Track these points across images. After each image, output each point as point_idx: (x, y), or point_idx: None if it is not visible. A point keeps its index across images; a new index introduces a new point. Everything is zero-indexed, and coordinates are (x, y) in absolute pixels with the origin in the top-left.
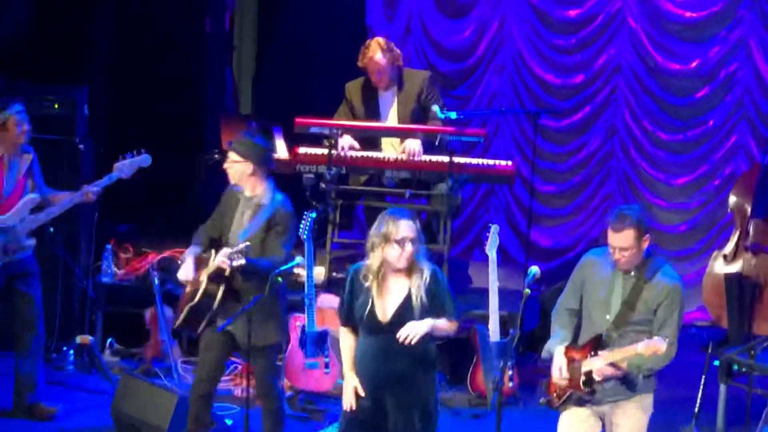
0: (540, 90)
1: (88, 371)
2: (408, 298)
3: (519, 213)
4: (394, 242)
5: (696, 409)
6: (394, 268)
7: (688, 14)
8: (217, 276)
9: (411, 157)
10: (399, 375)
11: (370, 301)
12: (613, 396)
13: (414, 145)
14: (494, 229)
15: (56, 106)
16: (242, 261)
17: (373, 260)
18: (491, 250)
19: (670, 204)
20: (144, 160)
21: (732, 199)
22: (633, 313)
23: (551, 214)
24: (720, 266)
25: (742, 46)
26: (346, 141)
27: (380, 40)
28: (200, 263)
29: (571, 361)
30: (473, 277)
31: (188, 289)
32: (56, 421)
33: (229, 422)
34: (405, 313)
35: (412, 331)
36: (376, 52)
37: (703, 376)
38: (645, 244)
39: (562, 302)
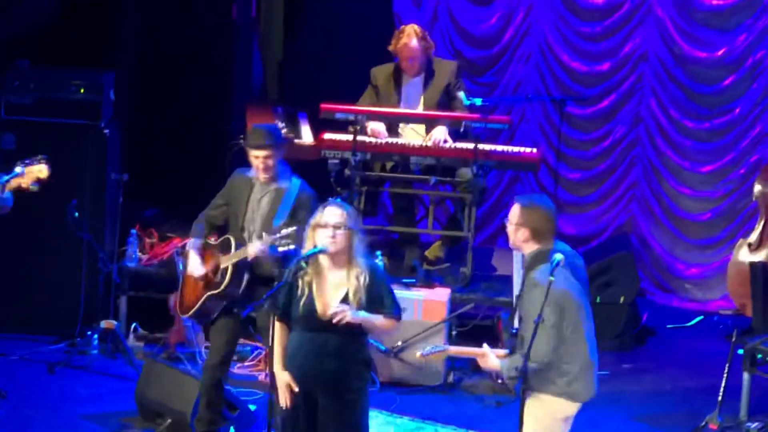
0: (566, 77)
1: (112, 356)
2: (346, 295)
3: None
4: (321, 227)
5: (719, 398)
6: (330, 259)
7: (714, 2)
8: (242, 264)
9: (437, 145)
10: (330, 374)
11: (309, 296)
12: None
13: (441, 133)
14: None
15: (82, 90)
16: (292, 246)
17: (305, 250)
18: None
19: (696, 192)
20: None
21: (757, 187)
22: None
23: (576, 201)
24: (744, 255)
25: None
26: (374, 126)
27: (416, 27)
28: (208, 252)
29: None
30: (497, 264)
31: (196, 278)
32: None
33: (252, 408)
34: (333, 317)
35: (341, 313)
36: (412, 38)
37: (727, 365)
38: None
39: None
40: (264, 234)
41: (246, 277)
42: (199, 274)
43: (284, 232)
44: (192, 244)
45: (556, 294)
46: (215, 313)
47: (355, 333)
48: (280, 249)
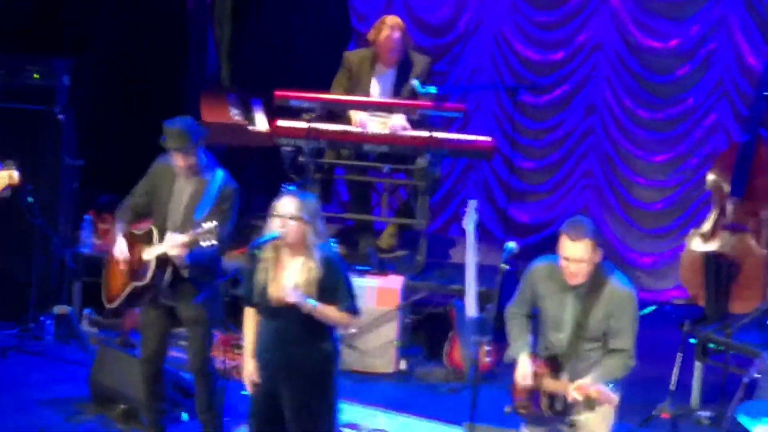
0: (520, 66)
1: (66, 341)
2: (298, 283)
3: (497, 188)
4: (276, 216)
5: (671, 387)
6: (287, 248)
7: None
8: (165, 257)
9: (394, 133)
10: (291, 365)
11: (266, 283)
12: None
13: (399, 120)
14: (472, 204)
15: (36, 76)
16: (214, 241)
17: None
18: (469, 226)
19: (649, 181)
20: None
21: (710, 177)
22: (586, 330)
23: (530, 189)
24: (697, 244)
25: (723, 24)
26: (360, 116)
27: (398, 19)
28: (133, 241)
29: (534, 374)
30: (451, 252)
31: (121, 266)
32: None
33: None
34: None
35: (291, 294)
36: (395, 31)
37: (679, 354)
38: (598, 257)
39: (514, 307)
40: (184, 228)
41: (170, 269)
42: (124, 259)
43: (205, 226)
44: (119, 229)
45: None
46: (141, 304)
47: (315, 323)
48: (203, 243)
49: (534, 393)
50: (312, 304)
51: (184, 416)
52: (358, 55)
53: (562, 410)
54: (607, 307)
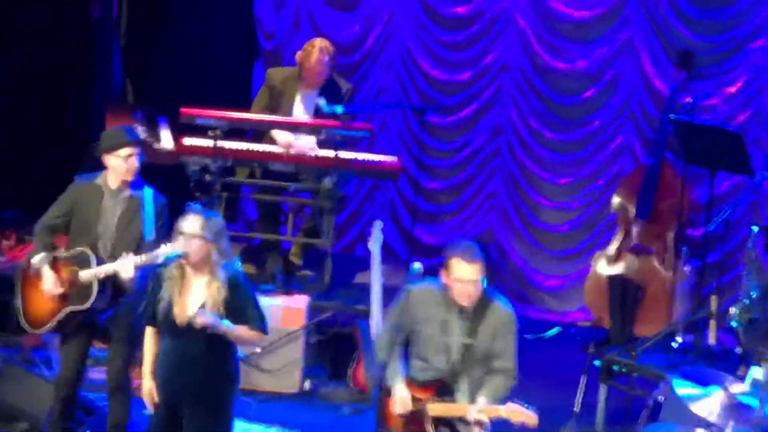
0: (426, 86)
1: None
2: (204, 305)
3: (403, 209)
4: (179, 234)
5: (576, 409)
6: (191, 267)
7: (575, 14)
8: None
9: (286, 150)
10: (193, 385)
11: (170, 302)
12: None
13: (305, 141)
14: (378, 224)
15: None
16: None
17: (169, 253)
18: (374, 246)
19: (554, 203)
20: None
21: (615, 199)
22: (474, 352)
23: (435, 210)
24: (603, 267)
25: (629, 46)
26: (284, 137)
27: (327, 43)
28: (60, 265)
29: (413, 399)
30: (356, 272)
31: (51, 288)
32: None
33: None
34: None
35: (201, 316)
36: (324, 55)
37: (584, 376)
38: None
39: (385, 336)
40: (119, 248)
41: (110, 290)
42: (58, 292)
43: (163, 249)
44: (42, 260)
45: None
46: (70, 328)
47: (218, 343)
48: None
49: (412, 418)
50: (225, 326)
51: None
52: (282, 74)
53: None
54: (493, 329)
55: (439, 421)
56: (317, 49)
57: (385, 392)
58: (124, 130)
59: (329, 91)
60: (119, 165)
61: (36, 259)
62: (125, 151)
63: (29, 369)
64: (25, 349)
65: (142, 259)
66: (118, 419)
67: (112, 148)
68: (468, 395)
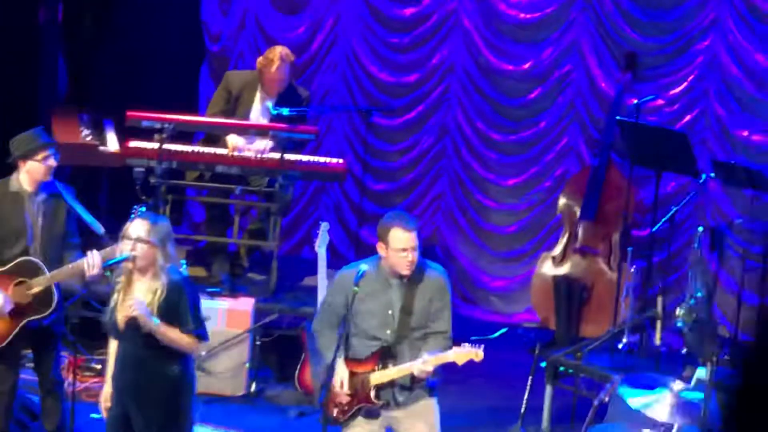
0: (373, 88)
1: None
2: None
3: (349, 211)
4: (126, 238)
5: (522, 410)
6: (136, 271)
7: (521, 15)
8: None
9: (236, 153)
10: (136, 387)
11: (114, 306)
12: (406, 402)
13: (259, 145)
14: (324, 226)
15: None
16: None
17: (115, 257)
18: (321, 248)
19: (501, 205)
20: None
21: (561, 200)
22: (412, 317)
23: (382, 212)
24: (548, 268)
25: (575, 48)
26: (235, 140)
27: (288, 51)
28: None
29: (353, 375)
30: (302, 274)
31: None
32: None
33: None
34: (137, 322)
35: (136, 306)
36: (285, 64)
37: (530, 377)
38: None
39: (321, 322)
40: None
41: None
42: (10, 309)
43: (115, 247)
44: None
45: None
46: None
47: (161, 346)
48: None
49: (355, 394)
50: (154, 322)
51: None
52: (241, 78)
53: (389, 399)
54: (428, 294)
55: (380, 388)
56: (278, 58)
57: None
58: (37, 134)
59: (287, 97)
60: (37, 167)
61: None
62: (43, 154)
63: None
64: None
65: (106, 252)
66: (54, 423)
67: (30, 153)
68: (408, 359)
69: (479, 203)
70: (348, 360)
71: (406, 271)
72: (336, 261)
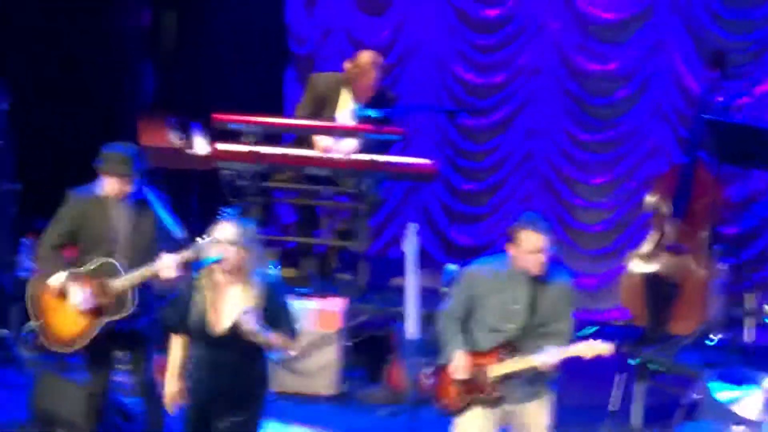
0: (460, 88)
1: (4, 366)
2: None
3: (437, 211)
4: (215, 242)
5: (612, 409)
6: (225, 274)
7: (606, 15)
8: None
9: (325, 155)
10: (226, 390)
11: (203, 310)
12: (525, 397)
13: (347, 145)
14: (413, 227)
15: None
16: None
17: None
18: (409, 248)
19: (589, 203)
20: None
21: (650, 199)
22: (536, 315)
23: (470, 212)
24: (638, 266)
25: (661, 47)
26: (325, 142)
27: (378, 56)
28: (83, 280)
29: (472, 366)
30: (391, 275)
31: (82, 304)
32: None
33: None
34: (236, 328)
35: (247, 322)
36: (376, 70)
37: (619, 376)
38: None
39: (449, 312)
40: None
41: (141, 296)
42: (93, 306)
43: (200, 243)
44: (64, 279)
45: None
46: (106, 337)
47: (251, 349)
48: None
49: (472, 384)
50: (265, 333)
51: None
52: (327, 80)
53: (507, 393)
54: (553, 296)
55: (499, 382)
56: (370, 64)
57: (440, 367)
58: (121, 158)
59: (374, 99)
60: (115, 186)
61: (56, 280)
62: (124, 180)
63: (65, 375)
64: (60, 356)
65: (183, 256)
66: (153, 425)
67: (111, 173)
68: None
69: (567, 202)
70: (469, 352)
71: (536, 272)
72: (425, 261)
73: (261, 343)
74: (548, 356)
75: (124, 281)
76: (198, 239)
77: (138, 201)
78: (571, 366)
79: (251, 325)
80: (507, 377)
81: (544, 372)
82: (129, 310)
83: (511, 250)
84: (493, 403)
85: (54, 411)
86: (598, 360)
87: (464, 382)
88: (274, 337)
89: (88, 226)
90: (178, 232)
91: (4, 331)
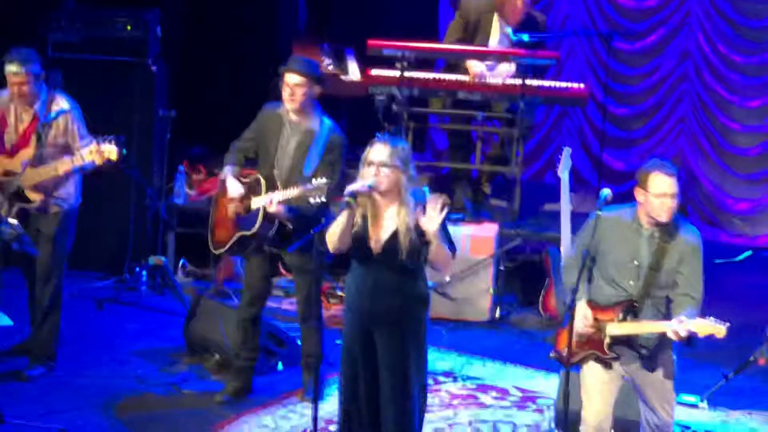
0: (613, 12)
1: (161, 292)
2: (396, 231)
3: (591, 135)
4: (367, 164)
5: None
6: (380, 195)
7: None
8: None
9: (477, 80)
10: (388, 310)
11: (362, 229)
12: (648, 357)
13: (502, 70)
14: (566, 151)
15: (128, 27)
16: (323, 198)
17: (358, 185)
18: (563, 173)
19: (744, 127)
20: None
21: None
22: (659, 275)
23: (624, 136)
24: None
25: None
26: (476, 67)
27: None
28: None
29: (593, 320)
30: (545, 200)
31: (229, 211)
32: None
33: (300, 343)
34: (393, 246)
35: (436, 216)
36: None
37: None
38: None
39: (571, 258)
40: (290, 179)
41: (276, 220)
42: (239, 197)
43: (315, 183)
44: (229, 171)
45: None
46: (246, 251)
47: (410, 269)
48: (311, 201)
49: (588, 339)
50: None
51: (279, 366)
52: (477, 5)
53: (624, 352)
54: (679, 254)
55: (615, 342)
56: None
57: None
58: (303, 61)
59: (525, 23)
60: (284, 91)
61: (224, 170)
62: (288, 79)
63: (222, 301)
64: (217, 282)
65: (292, 193)
66: (310, 347)
67: (284, 70)
68: (651, 318)
69: (723, 126)
70: (589, 302)
71: (664, 218)
72: (578, 186)
73: (435, 253)
74: (680, 325)
75: (258, 201)
76: (313, 180)
77: (310, 129)
78: (728, 290)
79: (435, 226)
80: (624, 340)
81: (664, 340)
82: (254, 229)
83: (639, 195)
84: (607, 363)
85: (210, 336)
86: (754, 284)
87: (582, 335)
88: (441, 248)
89: (264, 139)
90: (309, 169)
91: (161, 258)
